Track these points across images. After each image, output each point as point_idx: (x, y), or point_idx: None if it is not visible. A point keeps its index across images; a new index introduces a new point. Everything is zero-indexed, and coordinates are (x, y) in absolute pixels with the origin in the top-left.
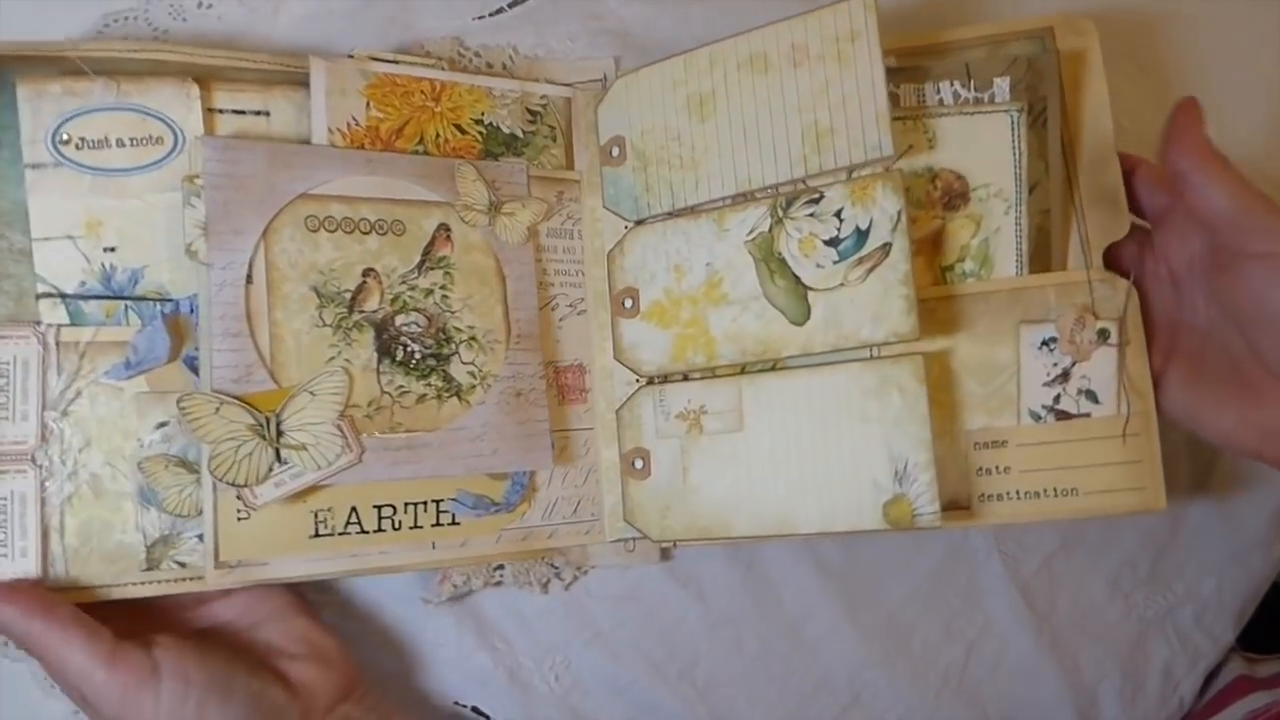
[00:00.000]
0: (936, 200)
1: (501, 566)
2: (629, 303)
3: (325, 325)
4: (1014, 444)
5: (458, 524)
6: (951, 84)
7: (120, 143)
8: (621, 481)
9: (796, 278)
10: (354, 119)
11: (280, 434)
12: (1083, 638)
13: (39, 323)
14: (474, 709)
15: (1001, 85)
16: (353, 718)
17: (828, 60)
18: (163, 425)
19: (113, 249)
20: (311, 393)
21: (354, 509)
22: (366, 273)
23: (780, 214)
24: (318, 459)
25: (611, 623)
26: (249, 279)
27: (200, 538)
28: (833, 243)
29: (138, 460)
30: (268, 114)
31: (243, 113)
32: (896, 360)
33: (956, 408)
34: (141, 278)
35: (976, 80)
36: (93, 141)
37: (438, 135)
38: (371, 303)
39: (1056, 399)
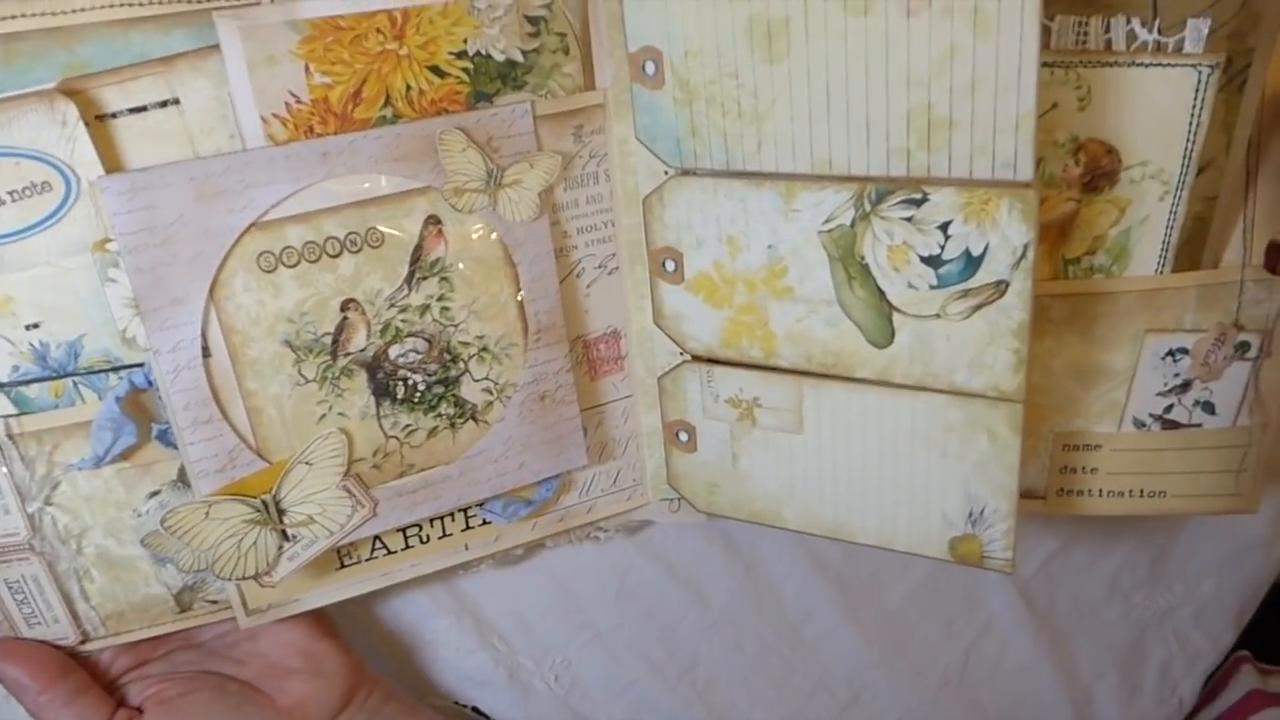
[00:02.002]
0: (1075, 179)
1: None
2: (671, 265)
3: (308, 381)
4: (1108, 449)
5: (489, 523)
6: (1129, 20)
7: None
8: (665, 449)
9: (881, 292)
10: (293, 96)
11: (283, 513)
12: (1081, 638)
13: None
14: (474, 709)
15: (1197, 28)
16: None
17: (958, 16)
18: (155, 494)
19: (35, 325)
20: (308, 463)
21: (377, 538)
22: (345, 306)
23: (868, 208)
24: (329, 526)
25: (611, 623)
26: (205, 352)
27: None
28: (932, 262)
29: (139, 535)
30: (177, 102)
31: (144, 109)
32: (992, 403)
33: (1049, 410)
34: (81, 349)
35: (1164, 18)
36: None
37: (409, 88)
38: (357, 340)
39: (1168, 409)
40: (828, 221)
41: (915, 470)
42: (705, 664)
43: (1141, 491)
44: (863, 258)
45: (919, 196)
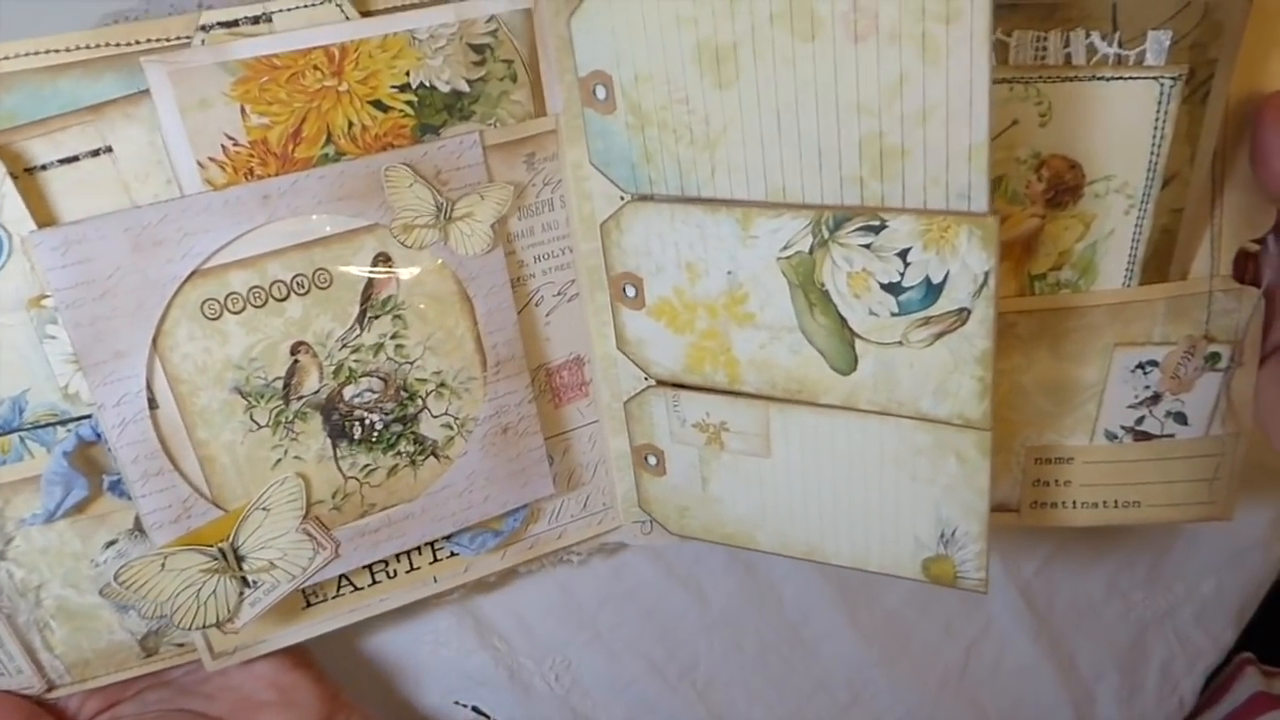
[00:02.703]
0: (1039, 195)
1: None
2: (631, 291)
3: (261, 427)
4: (1080, 461)
5: (458, 555)
6: (1088, 34)
7: None
8: (635, 473)
9: (843, 319)
10: (229, 139)
11: (241, 560)
12: (1081, 638)
13: None
14: (474, 709)
15: (1158, 41)
16: None
17: (905, 43)
18: (113, 543)
19: None
20: (265, 508)
21: (342, 576)
22: (296, 349)
23: (825, 235)
24: (290, 570)
25: (611, 623)
26: (152, 404)
27: None
28: (892, 289)
29: (98, 585)
30: (110, 150)
31: (75, 159)
32: (960, 429)
33: (1020, 424)
34: (25, 403)
35: (1125, 31)
36: None
37: (350, 124)
38: (310, 383)
39: (1140, 420)
40: (786, 248)
41: (885, 493)
42: (705, 664)
43: (1116, 502)
44: (823, 284)
45: (877, 224)
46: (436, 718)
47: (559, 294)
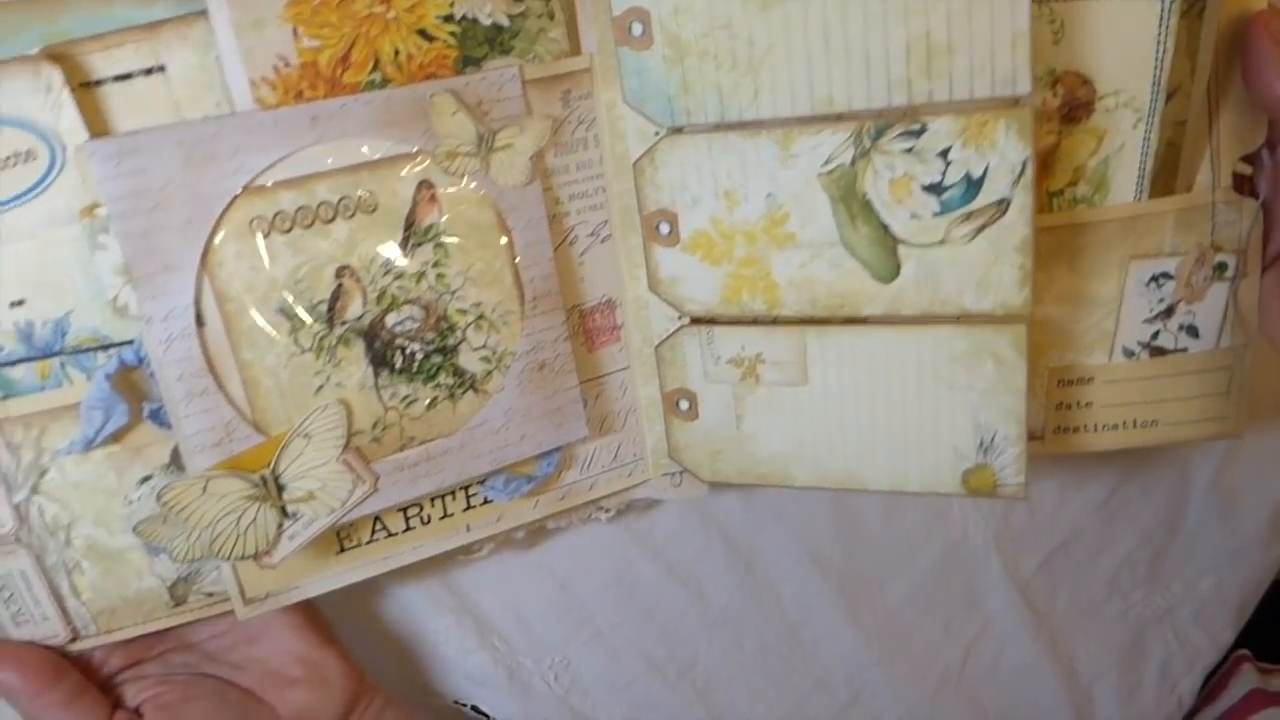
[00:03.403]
0: (1054, 111)
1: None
2: (665, 228)
3: (305, 351)
4: (1101, 380)
5: (491, 503)
6: None
7: None
8: (665, 420)
9: (884, 226)
10: (281, 59)
11: (282, 489)
12: (1081, 637)
13: None
14: (473, 708)
15: None
16: None
17: None
18: (147, 479)
19: (20, 302)
20: (306, 435)
21: (376, 519)
22: (340, 272)
23: (867, 144)
24: (329, 502)
25: (611, 622)
26: (199, 321)
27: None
28: (934, 189)
29: (130, 524)
30: (163, 69)
31: (129, 76)
32: (995, 328)
33: (1043, 345)
34: (68, 326)
35: None
36: None
37: (397, 53)
38: (354, 308)
39: (1155, 335)
40: (827, 163)
41: (924, 406)
42: (705, 663)
43: (1135, 422)
44: (864, 195)
45: (917, 128)
46: (437, 717)
47: (592, 234)
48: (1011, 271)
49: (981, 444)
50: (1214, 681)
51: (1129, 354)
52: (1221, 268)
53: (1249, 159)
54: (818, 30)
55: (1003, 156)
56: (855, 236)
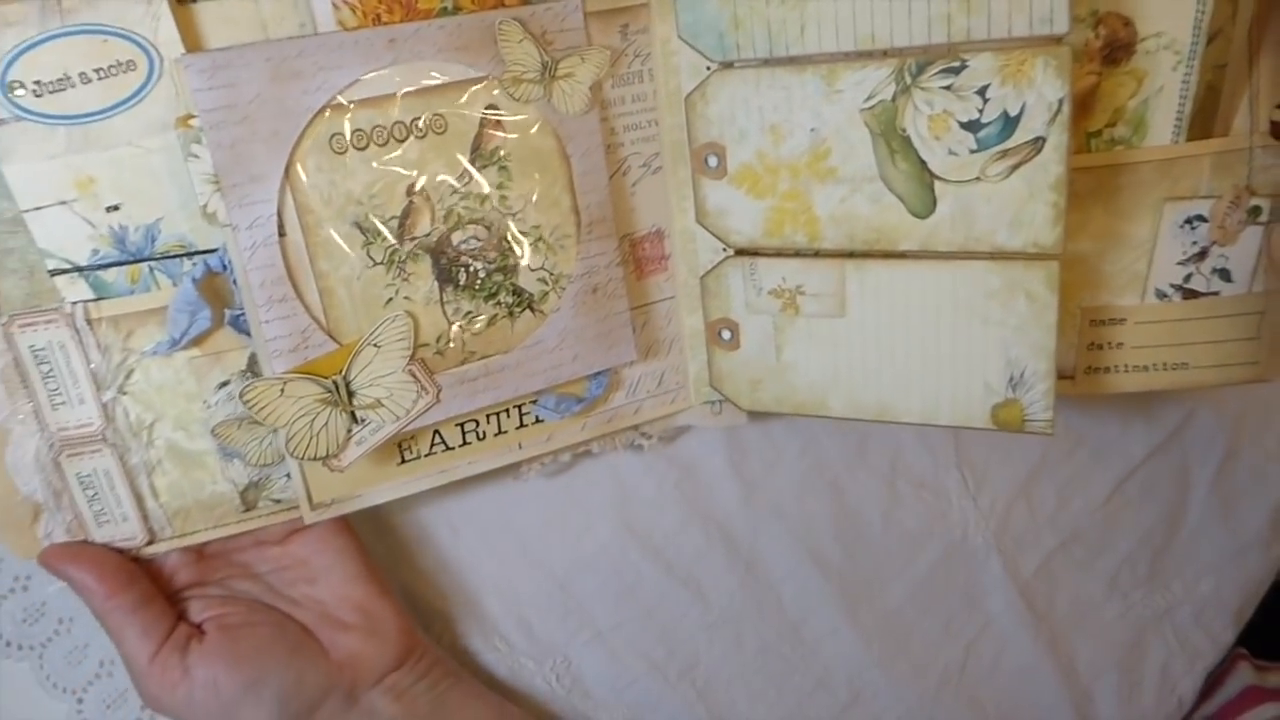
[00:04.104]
0: (1096, 52)
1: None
2: (714, 160)
3: (376, 264)
4: (1132, 321)
5: (542, 422)
6: None
7: (84, 78)
8: (707, 349)
9: (923, 162)
10: None
11: (352, 395)
12: (1081, 637)
13: (64, 301)
14: None
15: None
16: (401, 687)
17: None
18: (224, 384)
19: (116, 207)
20: (376, 344)
21: (436, 431)
22: (411, 191)
23: (908, 81)
24: (395, 410)
25: (612, 623)
26: (281, 231)
27: (290, 475)
28: (971, 126)
29: (209, 425)
30: None
31: None
32: (1028, 264)
33: (1075, 285)
34: (158, 233)
35: None
36: (51, 84)
37: None
38: (423, 225)
39: (1187, 278)
40: (869, 99)
41: (957, 340)
42: (706, 663)
43: (1165, 365)
44: (904, 130)
45: (957, 65)
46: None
47: (644, 165)
48: (1045, 210)
49: (1011, 379)
50: (1211, 678)
51: (1161, 296)
52: (1256, 211)
53: None
54: None
55: (1040, 95)
56: (894, 172)
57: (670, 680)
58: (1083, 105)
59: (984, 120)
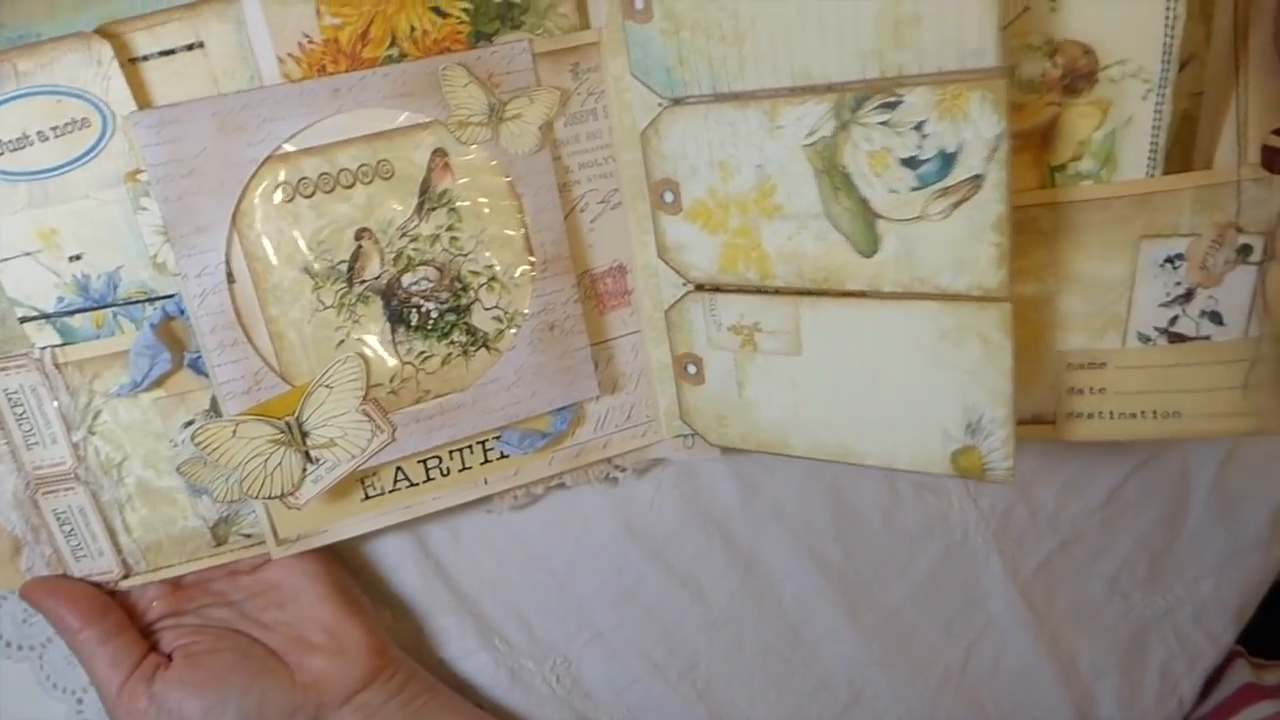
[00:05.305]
0: (1055, 82)
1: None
2: (669, 196)
3: (327, 307)
4: (1114, 366)
5: (507, 457)
6: None
7: (42, 136)
8: (676, 383)
9: (864, 200)
10: (306, 36)
11: (305, 435)
12: (1081, 637)
13: (33, 346)
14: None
15: None
16: (373, 705)
17: None
18: (190, 423)
19: (78, 257)
20: (328, 385)
21: (399, 468)
22: (360, 235)
23: (847, 116)
24: (350, 449)
25: (612, 623)
26: (230, 278)
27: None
28: (911, 163)
29: (174, 464)
30: (202, 45)
31: (171, 52)
32: (981, 306)
33: (1050, 327)
34: (119, 280)
35: None
36: (11, 143)
37: (413, 29)
38: (372, 268)
39: (1173, 320)
40: (810, 135)
41: (911, 382)
42: (705, 664)
43: (1154, 413)
44: (845, 167)
45: (894, 99)
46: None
47: (602, 202)
48: (987, 250)
49: (969, 426)
50: (1208, 677)
51: (1144, 339)
52: (1246, 250)
53: None
54: (794, 2)
55: (977, 130)
56: (838, 209)
57: (670, 680)
58: (1043, 138)
59: (923, 157)
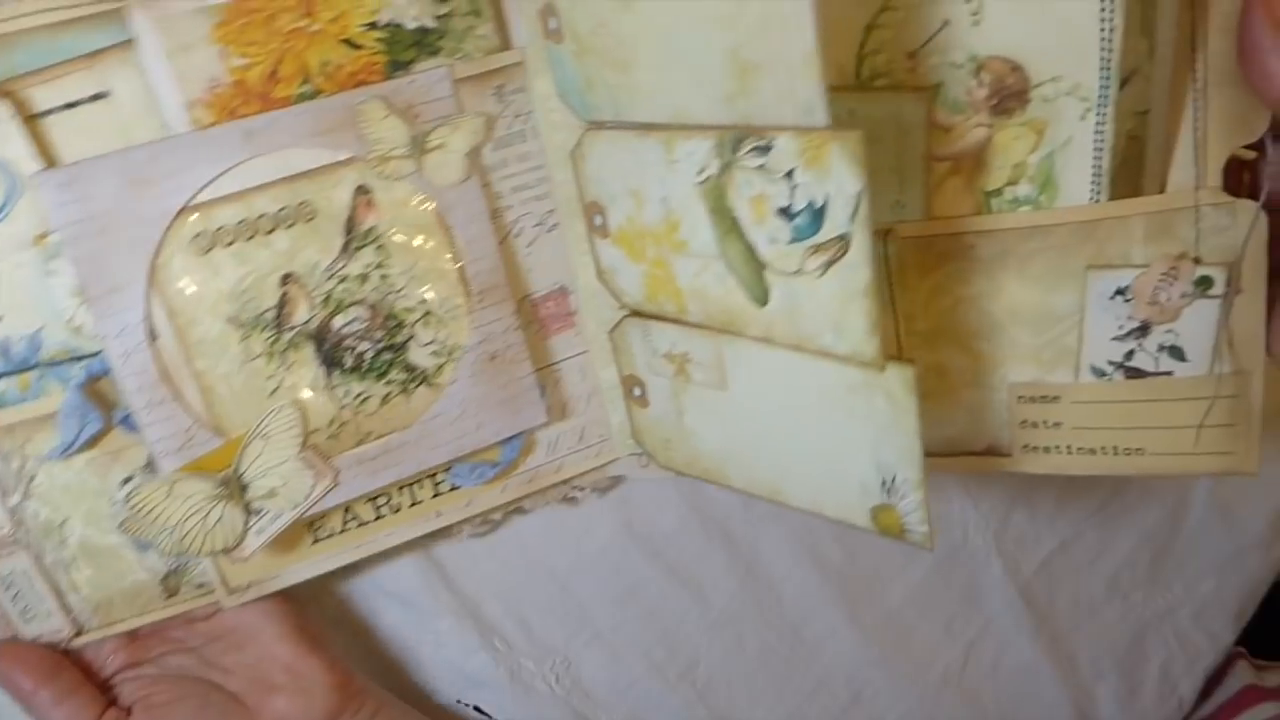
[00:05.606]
0: (982, 102)
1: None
2: (599, 219)
3: (256, 357)
4: (1068, 400)
5: (459, 489)
6: None
7: None
8: (625, 403)
9: (752, 246)
10: (213, 80)
11: (245, 487)
12: (1081, 637)
13: None
14: (475, 708)
15: None
16: None
17: None
18: (128, 480)
19: None
20: (264, 436)
21: (347, 509)
22: (285, 280)
23: (729, 157)
24: (292, 498)
25: (612, 623)
26: (152, 335)
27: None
28: (785, 214)
29: (116, 522)
30: (107, 95)
31: (75, 104)
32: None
33: (996, 359)
34: (42, 341)
35: None
36: None
37: (325, 63)
38: (300, 313)
39: (1129, 355)
40: (700, 173)
41: (828, 432)
42: (706, 664)
43: (1115, 449)
44: (732, 210)
45: (764, 144)
46: (437, 718)
47: (539, 224)
48: (859, 318)
49: (884, 483)
50: (1209, 679)
51: (1099, 374)
52: (1205, 282)
53: (1250, 147)
54: (662, 35)
55: (839, 186)
56: (730, 252)
57: (670, 681)
58: (976, 161)
59: (795, 208)
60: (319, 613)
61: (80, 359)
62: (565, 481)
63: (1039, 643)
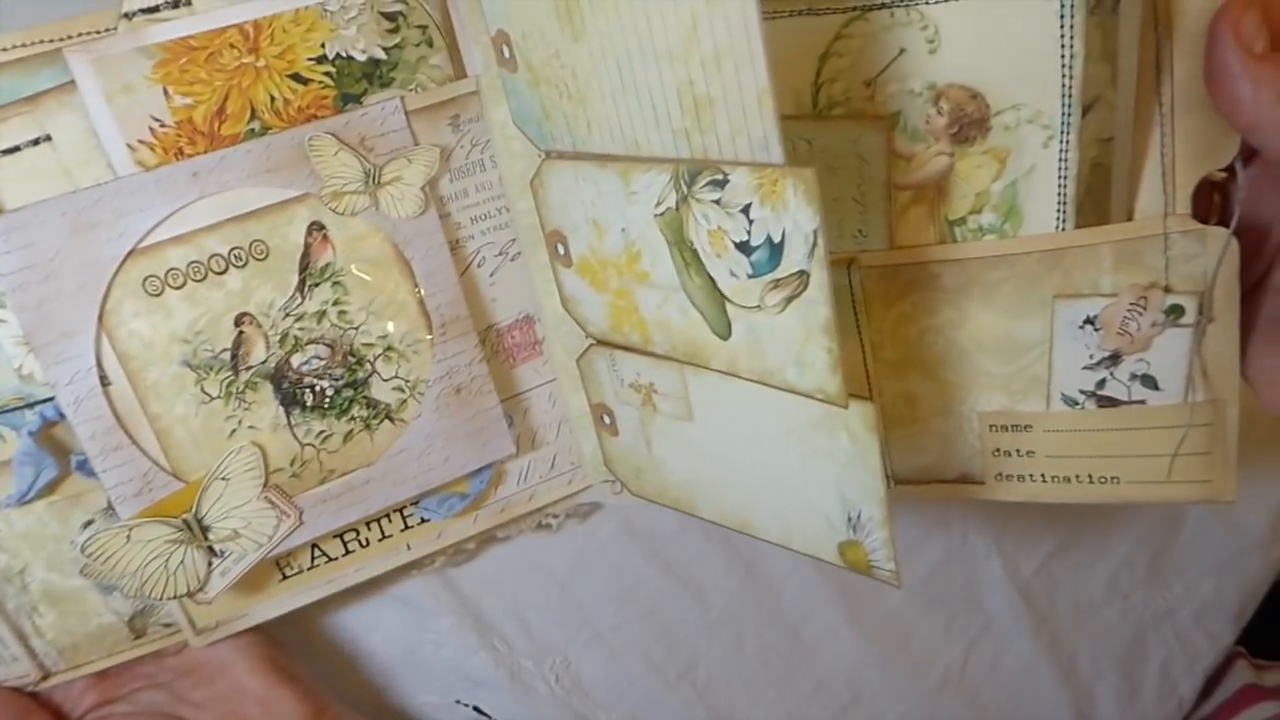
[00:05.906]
0: (942, 130)
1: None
2: (561, 248)
3: (213, 399)
4: (1040, 429)
5: (428, 521)
6: None
7: None
8: (595, 430)
9: (712, 279)
10: (156, 120)
11: (206, 530)
12: (1081, 637)
13: None
14: (475, 709)
15: None
16: None
17: None
18: (89, 523)
19: None
20: (224, 478)
21: (314, 545)
22: (240, 320)
23: (685, 190)
24: (255, 538)
25: (612, 623)
26: (104, 381)
27: None
28: (744, 248)
29: (79, 568)
30: (49, 138)
31: (16, 149)
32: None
33: (965, 388)
34: None
35: None
36: None
37: (273, 99)
38: (257, 353)
39: (1101, 383)
40: (659, 205)
41: (794, 466)
42: (705, 664)
43: (1090, 477)
44: (691, 243)
45: (720, 178)
46: (437, 718)
47: (501, 254)
48: (820, 354)
49: (850, 519)
50: (1209, 678)
51: (1071, 403)
52: (1176, 310)
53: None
54: (614, 67)
55: (795, 222)
56: (692, 285)
57: (670, 681)
58: (938, 190)
59: (753, 243)
60: (319, 613)
61: (34, 404)
62: (539, 510)
63: (1039, 643)
